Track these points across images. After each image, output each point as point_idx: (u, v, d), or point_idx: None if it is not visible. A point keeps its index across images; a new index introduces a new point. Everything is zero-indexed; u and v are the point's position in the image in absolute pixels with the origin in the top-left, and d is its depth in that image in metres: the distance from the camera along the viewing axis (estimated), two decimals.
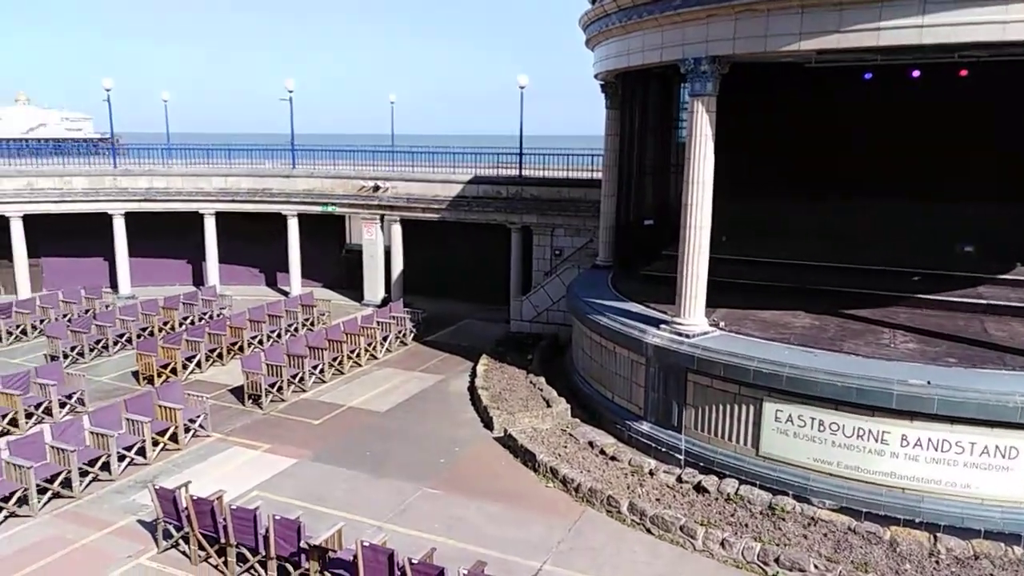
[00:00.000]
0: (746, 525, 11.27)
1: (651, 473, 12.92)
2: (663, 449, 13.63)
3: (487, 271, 26.71)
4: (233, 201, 27.61)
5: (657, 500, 12.08)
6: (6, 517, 11.72)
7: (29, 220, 25.86)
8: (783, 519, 11.29)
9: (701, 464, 12.97)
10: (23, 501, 11.96)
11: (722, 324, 13.88)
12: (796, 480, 11.91)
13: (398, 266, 26.95)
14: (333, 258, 29.83)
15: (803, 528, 11.08)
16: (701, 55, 12.70)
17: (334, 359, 19.15)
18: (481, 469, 13.88)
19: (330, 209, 27.35)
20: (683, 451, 13.33)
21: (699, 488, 12.28)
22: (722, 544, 10.81)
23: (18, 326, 22.16)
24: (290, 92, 28.97)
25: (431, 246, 27.94)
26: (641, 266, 18.38)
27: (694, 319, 13.54)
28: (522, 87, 25.68)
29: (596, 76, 18.68)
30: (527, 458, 13.84)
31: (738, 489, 12.08)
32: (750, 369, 12.08)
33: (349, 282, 28.40)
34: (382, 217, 26.92)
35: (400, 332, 21.91)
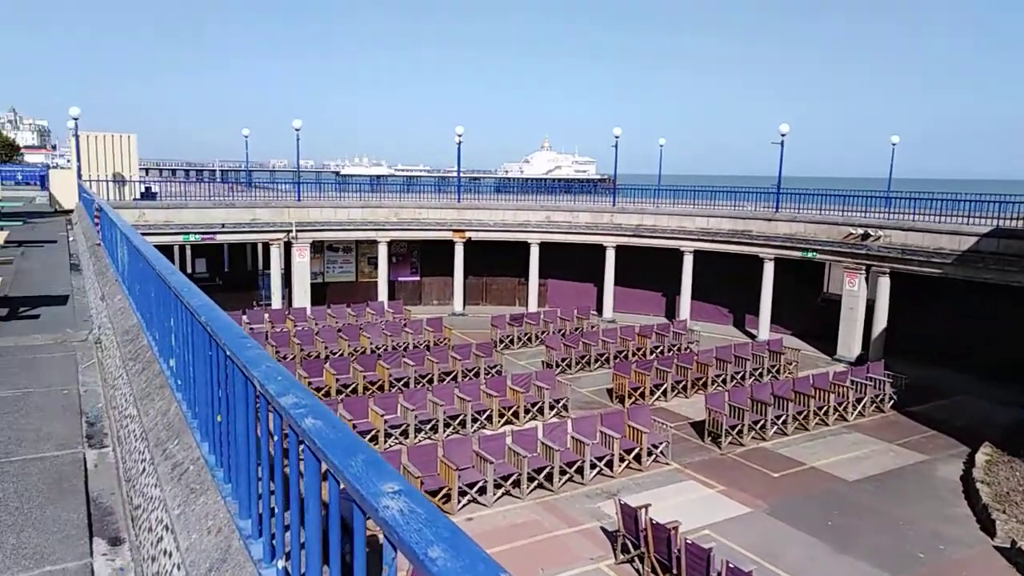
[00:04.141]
0: None
1: None
2: None
3: (995, 340, 22.41)
4: (712, 241, 28.48)
5: None
6: (503, 494, 13.92)
7: (543, 246, 30.74)
8: None
9: None
10: (516, 484, 14.06)
11: None
12: None
13: (881, 323, 24.29)
14: (806, 306, 28.38)
15: None
16: None
17: (799, 412, 18.10)
18: None
19: (810, 255, 26.15)
20: None
21: None
22: None
23: (525, 334, 26.41)
24: (783, 135, 28.67)
25: (924, 304, 24.60)
26: None
27: None
28: None
29: None
30: None
31: None
32: None
33: (821, 333, 26.63)
34: (868, 267, 24.66)
35: (877, 396, 19.64)
